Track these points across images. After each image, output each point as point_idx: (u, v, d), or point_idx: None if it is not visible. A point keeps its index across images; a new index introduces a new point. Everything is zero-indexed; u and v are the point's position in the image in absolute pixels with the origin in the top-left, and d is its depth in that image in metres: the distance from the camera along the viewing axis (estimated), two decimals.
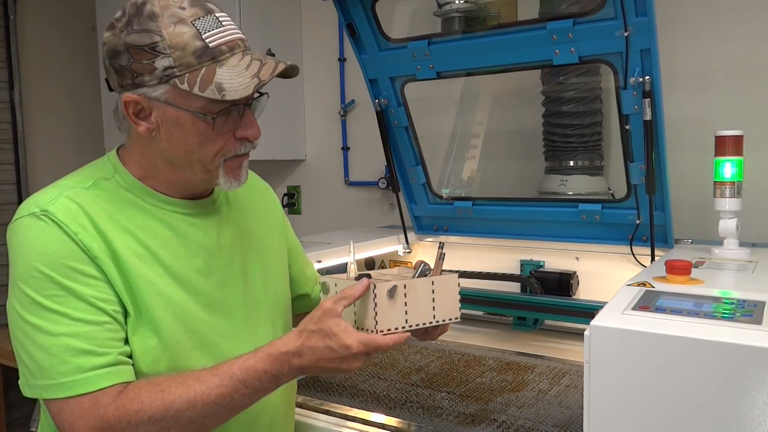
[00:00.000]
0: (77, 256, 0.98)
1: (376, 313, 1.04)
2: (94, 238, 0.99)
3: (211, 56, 1.00)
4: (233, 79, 0.99)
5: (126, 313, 1.02)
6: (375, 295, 1.04)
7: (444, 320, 1.14)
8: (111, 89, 1.06)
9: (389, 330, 1.05)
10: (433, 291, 1.12)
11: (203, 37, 0.99)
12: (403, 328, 1.08)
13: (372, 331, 1.04)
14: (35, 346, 0.95)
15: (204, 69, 0.99)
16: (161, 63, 0.99)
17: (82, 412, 0.94)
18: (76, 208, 1.00)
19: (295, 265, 1.38)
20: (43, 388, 0.95)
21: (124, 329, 1.01)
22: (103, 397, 0.95)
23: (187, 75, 0.99)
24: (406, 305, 1.08)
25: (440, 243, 1.21)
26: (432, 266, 1.17)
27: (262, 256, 1.23)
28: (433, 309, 1.12)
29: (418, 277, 1.13)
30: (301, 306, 1.39)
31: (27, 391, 0.97)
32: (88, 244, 0.98)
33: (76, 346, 0.95)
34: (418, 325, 1.10)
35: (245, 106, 1.05)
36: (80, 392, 0.94)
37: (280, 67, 1.03)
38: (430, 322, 1.12)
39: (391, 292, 1.06)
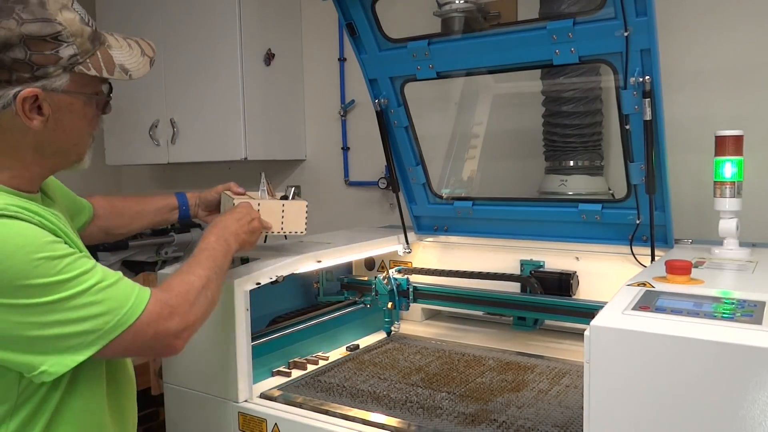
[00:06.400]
0: (53, 235, 1.01)
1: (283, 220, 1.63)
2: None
3: (100, 40, 1.05)
4: (130, 59, 1.08)
5: None
6: (284, 206, 1.62)
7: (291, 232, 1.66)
8: None
9: (290, 232, 1.64)
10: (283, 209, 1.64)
11: (87, 21, 1.03)
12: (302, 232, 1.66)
13: (279, 232, 1.62)
14: (75, 309, 0.97)
15: (98, 53, 1.04)
16: (66, 52, 0.99)
17: (155, 315, 1.04)
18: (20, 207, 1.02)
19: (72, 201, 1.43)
20: (113, 327, 0.99)
21: None
22: (155, 301, 1.05)
23: (89, 61, 1.02)
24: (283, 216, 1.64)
25: (260, 173, 1.69)
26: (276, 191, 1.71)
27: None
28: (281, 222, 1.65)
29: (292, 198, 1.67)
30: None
31: (92, 349, 0.98)
32: (51, 228, 1.02)
33: (109, 281, 1.00)
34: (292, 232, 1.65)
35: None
36: (147, 299, 1.03)
37: (149, 42, 1.14)
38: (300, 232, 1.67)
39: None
